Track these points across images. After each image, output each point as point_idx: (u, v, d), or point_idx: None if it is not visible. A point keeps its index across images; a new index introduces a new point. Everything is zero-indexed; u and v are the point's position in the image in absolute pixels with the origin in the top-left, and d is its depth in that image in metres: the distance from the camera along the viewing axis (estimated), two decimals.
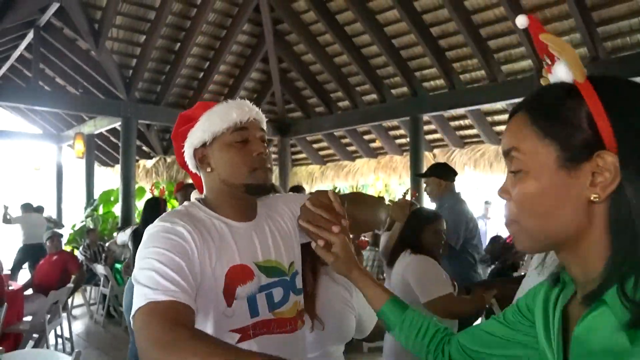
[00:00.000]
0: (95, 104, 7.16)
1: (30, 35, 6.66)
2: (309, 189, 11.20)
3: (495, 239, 4.24)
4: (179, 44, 7.11)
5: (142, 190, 9.51)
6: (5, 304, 3.12)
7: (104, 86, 7.19)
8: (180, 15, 6.81)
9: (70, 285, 4.10)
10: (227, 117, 1.08)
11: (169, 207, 9.25)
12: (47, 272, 4.52)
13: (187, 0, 6.67)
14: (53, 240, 4.75)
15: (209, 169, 1.12)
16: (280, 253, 1.13)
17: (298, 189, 4.36)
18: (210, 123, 1.09)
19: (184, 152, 1.14)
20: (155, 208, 3.41)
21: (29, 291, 4.57)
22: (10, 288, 3.75)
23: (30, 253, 7.01)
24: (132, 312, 0.88)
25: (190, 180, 8.05)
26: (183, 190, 3.87)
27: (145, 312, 0.86)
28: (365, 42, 6.88)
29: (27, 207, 7.44)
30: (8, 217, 7.24)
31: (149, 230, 1.01)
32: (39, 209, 7.76)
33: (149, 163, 9.35)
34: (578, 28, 5.19)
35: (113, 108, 7.09)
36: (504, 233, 8.61)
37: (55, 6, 5.81)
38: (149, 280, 0.90)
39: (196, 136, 1.11)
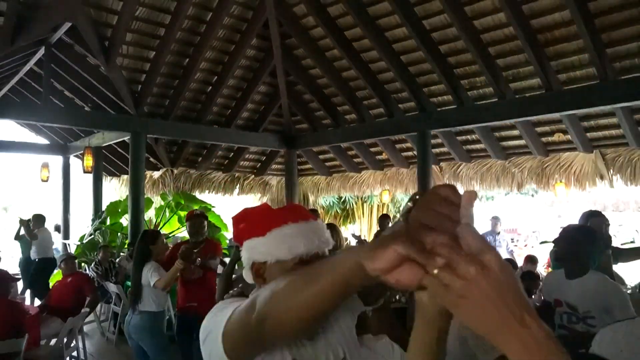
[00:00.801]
0: (105, 119, 7.19)
1: (41, 52, 6.70)
2: (314, 198, 11.26)
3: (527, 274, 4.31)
4: (187, 59, 7.16)
5: (149, 201, 9.54)
6: (27, 334, 3.16)
7: (113, 101, 7.23)
8: (189, 31, 6.86)
9: (86, 309, 4.14)
10: (295, 249, 1.07)
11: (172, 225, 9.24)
12: (62, 295, 4.55)
13: (197, 17, 6.72)
14: (67, 263, 4.79)
15: (263, 285, 1.10)
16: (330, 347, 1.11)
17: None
18: (276, 248, 1.08)
19: (242, 249, 1.15)
20: (142, 239, 3.74)
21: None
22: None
23: (43, 267, 7.16)
24: (220, 337, 0.92)
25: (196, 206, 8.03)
26: (192, 220, 3.89)
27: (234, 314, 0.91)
28: (374, 57, 6.92)
29: (42, 220, 7.53)
30: (35, 231, 7.36)
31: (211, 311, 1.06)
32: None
33: (156, 174, 9.38)
34: (587, 49, 5.23)
35: (122, 123, 7.13)
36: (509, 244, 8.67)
37: (67, 25, 5.86)
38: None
39: (259, 251, 1.10)
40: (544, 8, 5.21)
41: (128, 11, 6.02)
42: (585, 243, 2.36)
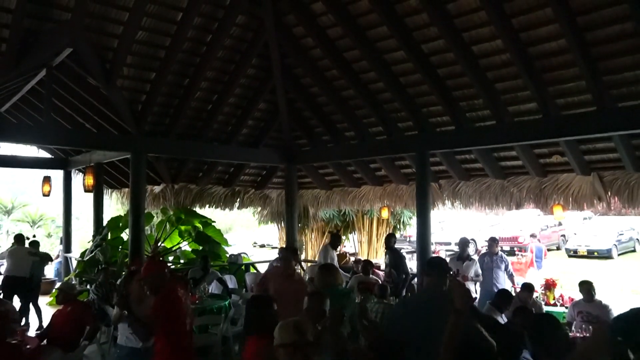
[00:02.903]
0: (105, 140, 7.25)
1: (42, 73, 6.75)
2: (314, 211, 11.30)
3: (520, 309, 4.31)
4: (188, 79, 7.21)
5: (149, 216, 9.61)
6: None
7: (114, 120, 7.29)
8: (190, 52, 6.91)
9: (86, 342, 4.18)
10: None
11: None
12: (62, 325, 4.59)
13: (197, 39, 6.77)
14: (61, 293, 4.83)
15: None
16: None
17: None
18: None
19: None
20: None
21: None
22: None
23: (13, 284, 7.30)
24: None
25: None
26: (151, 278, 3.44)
27: None
28: (372, 78, 6.96)
29: (22, 240, 7.66)
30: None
31: None
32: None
33: (157, 189, 9.42)
34: (583, 76, 5.26)
35: (123, 143, 7.18)
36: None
37: (69, 50, 5.91)
38: None
39: None
40: (541, 36, 5.23)
41: (129, 35, 6.07)
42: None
